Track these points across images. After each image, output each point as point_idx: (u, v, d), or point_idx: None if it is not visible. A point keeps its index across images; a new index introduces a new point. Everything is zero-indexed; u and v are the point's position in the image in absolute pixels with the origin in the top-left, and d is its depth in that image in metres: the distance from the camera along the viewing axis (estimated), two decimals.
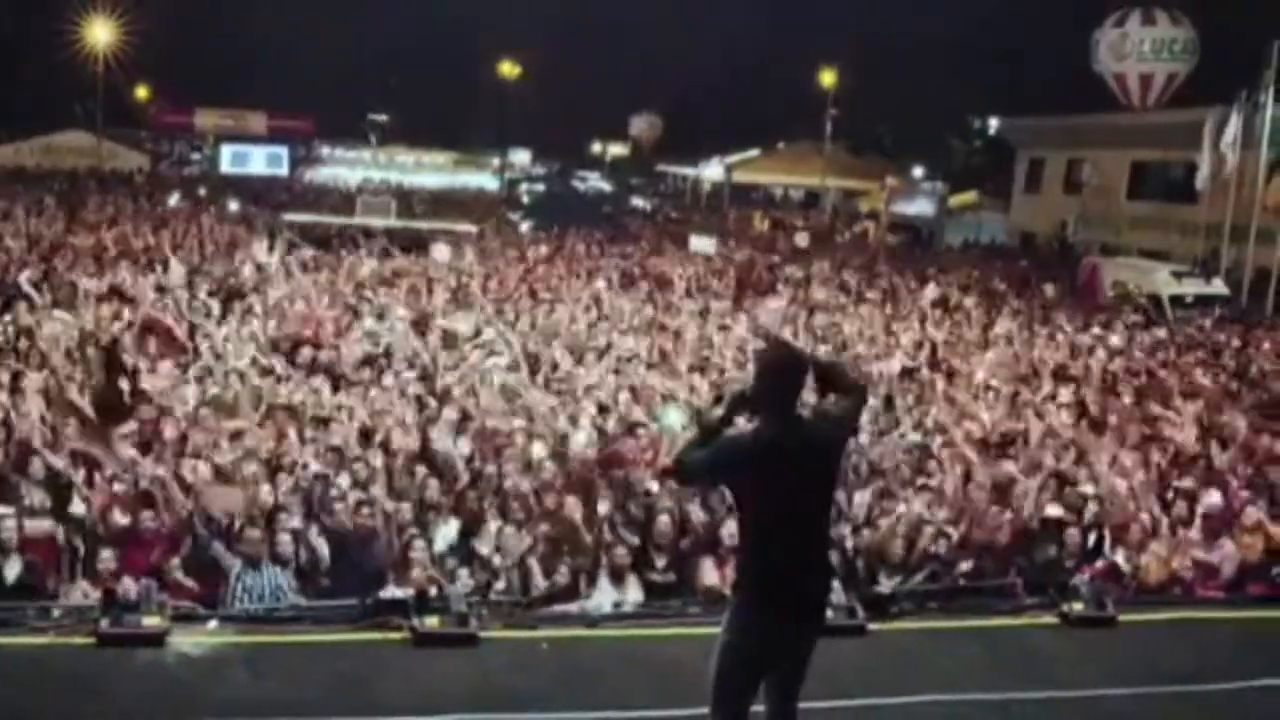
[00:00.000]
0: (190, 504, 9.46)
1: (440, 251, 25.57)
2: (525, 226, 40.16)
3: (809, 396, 6.36)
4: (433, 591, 8.65)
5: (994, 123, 62.64)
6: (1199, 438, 14.00)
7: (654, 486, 10.92)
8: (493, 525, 10.12)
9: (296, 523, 9.63)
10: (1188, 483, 12.21)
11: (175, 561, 9.02)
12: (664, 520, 10.13)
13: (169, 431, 11.15)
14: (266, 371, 13.99)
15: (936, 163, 66.79)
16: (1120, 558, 10.74)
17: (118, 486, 9.93)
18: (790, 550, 5.76)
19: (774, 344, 7.18)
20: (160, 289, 18.68)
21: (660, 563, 9.99)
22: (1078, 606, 9.31)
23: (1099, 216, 42.77)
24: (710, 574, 9.84)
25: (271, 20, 66.73)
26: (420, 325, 17.39)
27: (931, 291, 25.05)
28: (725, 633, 5.93)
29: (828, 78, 57.94)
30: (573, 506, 10.36)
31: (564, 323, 18.29)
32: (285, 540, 9.37)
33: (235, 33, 68.09)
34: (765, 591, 5.83)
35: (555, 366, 15.34)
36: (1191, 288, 28.92)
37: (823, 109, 57.26)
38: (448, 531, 10.17)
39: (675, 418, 13.07)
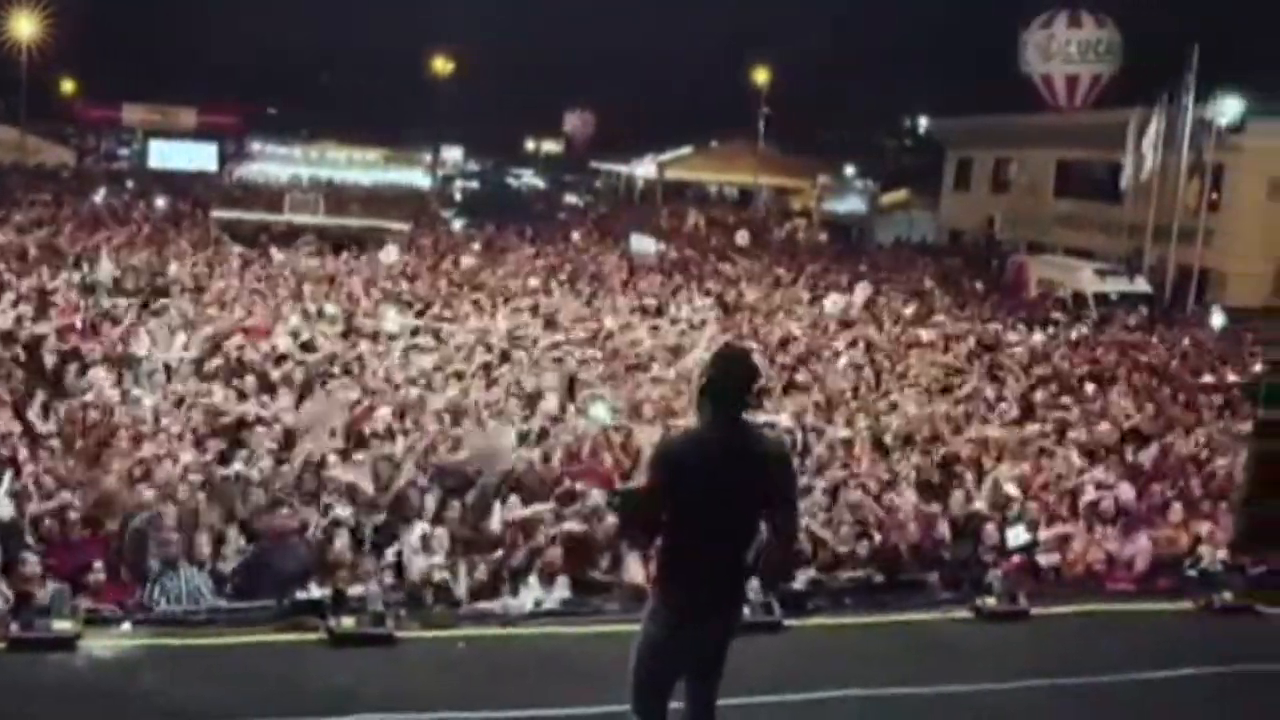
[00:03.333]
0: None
1: (389, 253, 25.45)
2: (458, 224, 40.00)
3: None
4: (353, 591, 8.62)
5: (924, 122, 63.33)
6: (1117, 433, 14.27)
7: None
8: (417, 525, 10.11)
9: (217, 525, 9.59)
10: (1107, 478, 12.46)
11: (97, 565, 8.91)
12: (609, 520, 10.17)
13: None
14: (192, 373, 13.89)
15: (868, 161, 67.28)
16: (1037, 552, 10.92)
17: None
18: (709, 549, 5.74)
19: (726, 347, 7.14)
20: (87, 288, 18.54)
21: (603, 563, 10.02)
22: (991, 601, 9.47)
23: (1026, 215, 43.34)
24: (636, 571, 9.89)
25: (201, 13, 65.94)
26: (349, 324, 17.37)
27: (861, 292, 25.13)
28: (642, 627, 5.95)
29: (760, 76, 58.16)
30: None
31: (498, 320, 18.32)
32: (202, 542, 9.30)
33: (164, 26, 67.19)
34: (680, 588, 5.83)
35: (487, 365, 15.34)
36: (1115, 285, 29.46)
37: (756, 107, 57.47)
38: (374, 531, 10.14)
39: (604, 414, 13.16)
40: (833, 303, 22.53)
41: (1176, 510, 11.58)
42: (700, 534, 5.72)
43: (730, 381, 5.82)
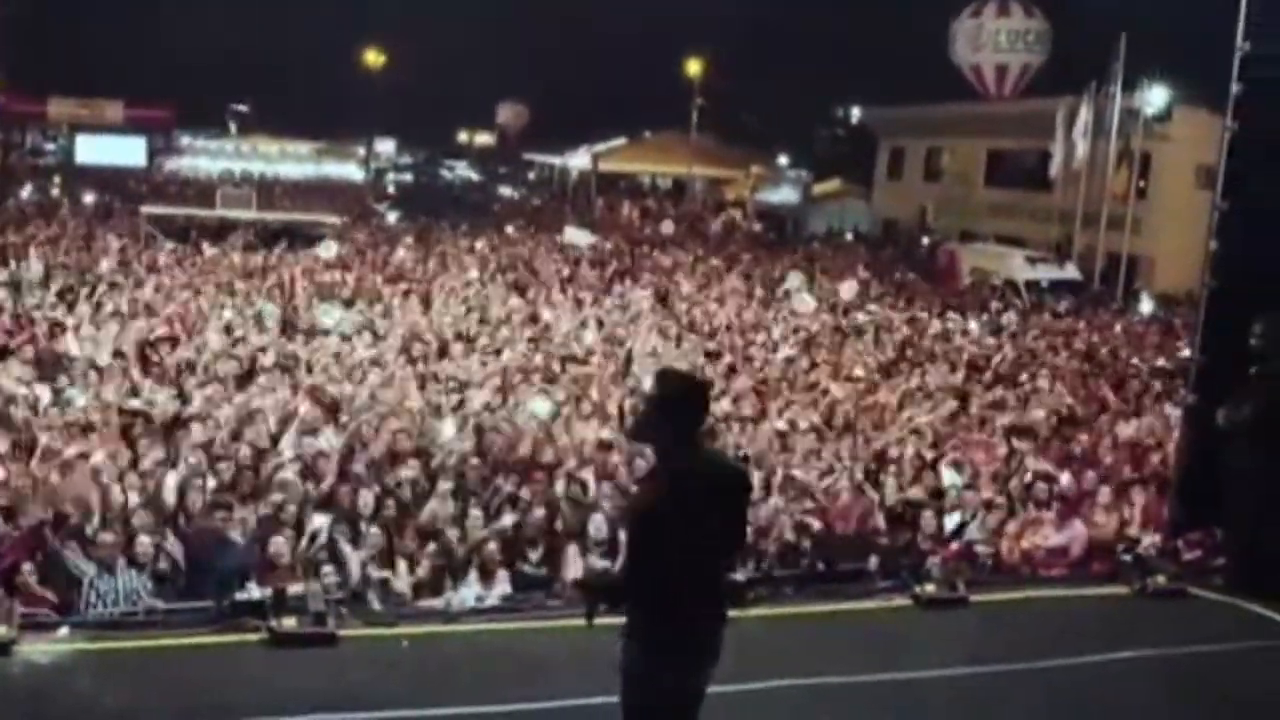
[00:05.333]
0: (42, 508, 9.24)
1: (327, 248, 25.21)
2: (392, 217, 39.78)
3: None
4: (294, 590, 8.54)
5: (856, 112, 63.64)
6: (1050, 420, 14.43)
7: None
8: (359, 523, 10.04)
9: (153, 525, 9.47)
10: (1042, 464, 12.60)
11: (28, 568, 8.77)
12: (536, 514, 10.17)
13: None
14: (124, 371, 13.70)
15: (802, 151, 67.45)
16: (977, 539, 11.04)
17: None
18: (691, 586, 5.41)
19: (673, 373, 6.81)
20: (14, 285, 18.26)
21: (533, 555, 10.02)
22: (930, 588, 9.53)
23: (958, 203, 43.74)
24: (575, 565, 9.90)
25: (130, 6, 64.82)
26: (286, 320, 17.23)
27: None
28: (625, 685, 5.51)
29: (693, 67, 58.19)
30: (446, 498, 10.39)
31: (434, 314, 18.24)
32: (144, 543, 9.19)
33: (91, 18, 65.98)
34: (666, 636, 5.43)
35: (425, 359, 15.28)
36: (1045, 273, 29.90)
37: (689, 98, 57.47)
38: (315, 529, 10.06)
39: (543, 408, 13.15)
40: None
41: (1109, 495, 11.74)
42: (675, 571, 5.36)
43: (683, 412, 5.49)
